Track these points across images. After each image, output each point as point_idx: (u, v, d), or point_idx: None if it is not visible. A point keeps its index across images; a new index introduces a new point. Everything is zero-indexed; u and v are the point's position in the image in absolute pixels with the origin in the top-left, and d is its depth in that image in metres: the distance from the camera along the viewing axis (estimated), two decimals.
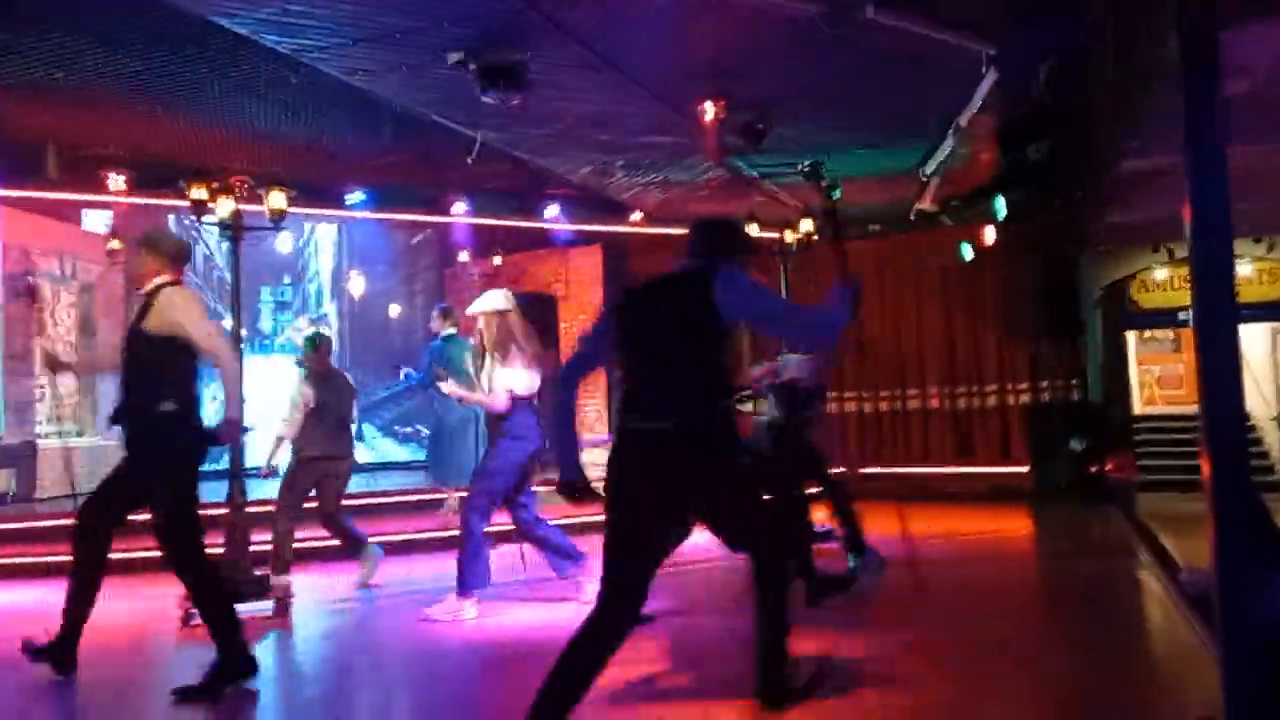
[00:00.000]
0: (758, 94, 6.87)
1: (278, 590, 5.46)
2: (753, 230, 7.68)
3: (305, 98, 7.44)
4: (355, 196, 9.85)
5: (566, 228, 10.85)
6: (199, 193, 5.50)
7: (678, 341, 2.91)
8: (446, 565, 6.85)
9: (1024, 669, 4.03)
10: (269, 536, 6.03)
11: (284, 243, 12.34)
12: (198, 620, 5.09)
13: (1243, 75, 4.63)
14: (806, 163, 8.42)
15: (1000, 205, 7.82)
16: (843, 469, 10.66)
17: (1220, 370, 2.46)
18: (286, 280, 13.13)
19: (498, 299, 5.29)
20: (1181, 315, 10.60)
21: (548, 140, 8.16)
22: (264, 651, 4.86)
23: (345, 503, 6.40)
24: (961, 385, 11.13)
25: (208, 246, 12.34)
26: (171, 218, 11.05)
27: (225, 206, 5.53)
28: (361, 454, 12.65)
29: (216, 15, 5.56)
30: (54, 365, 5.33)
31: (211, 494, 7.71)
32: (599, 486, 2.98)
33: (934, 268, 11.07)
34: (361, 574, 6.11)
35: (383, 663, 4.61)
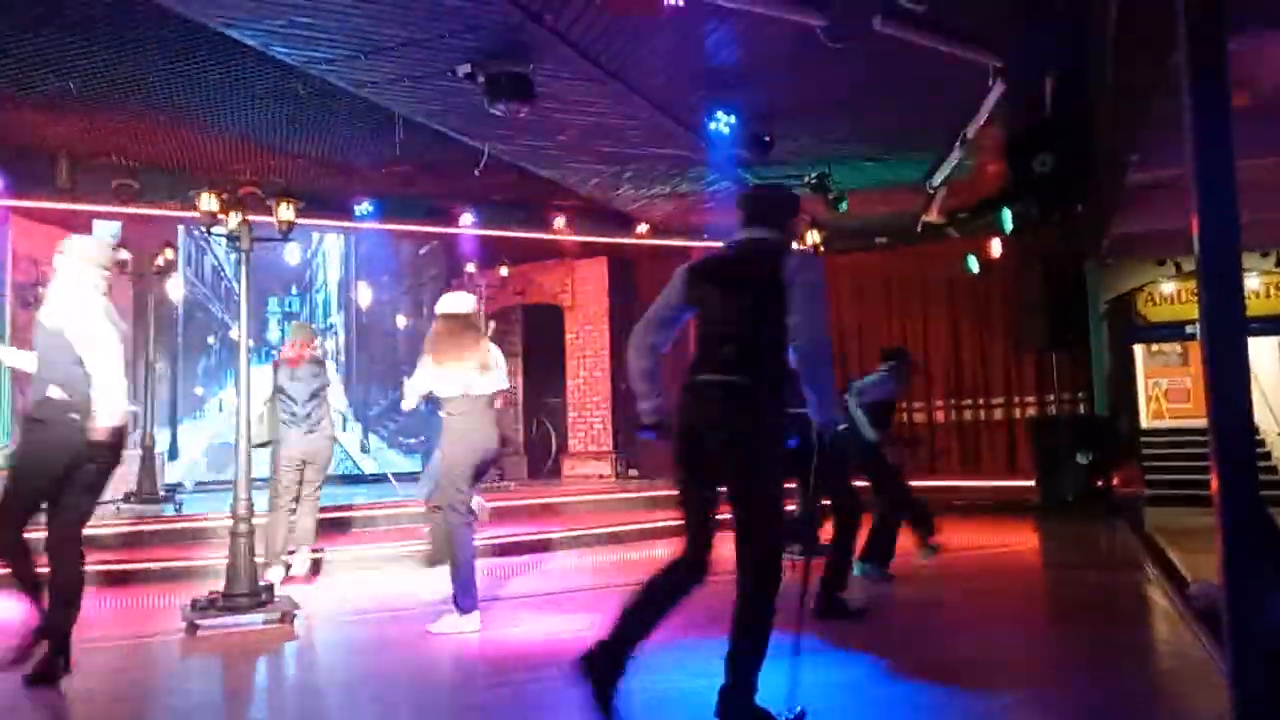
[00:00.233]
0: (764, 105, 6.90)
1: (283, 597, 5.46)
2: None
3: (314, 109, 7.50)
4: (363, 208, 9.90)
5: (573, 238, 10.89)
6: (209, 204, 5.52)
7: (743, 309, 3.09)
8: (438, 576, 6.85)
9: (1030, 684, 4.00)
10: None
11: (292, 254, 12.39)
12: (205, 629, 5.11)
13: (1246, 88, 4.63)
14: (813, 175, 8.52)
15: (1007, 217, 7.82)
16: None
17: (1228, 384, 2.45)
18: (294, 291, 13.17)
19: (443, 303, 5.25)
20: (1189, 328, 10.56)
21: (554, 152, 8.19)
22: (269, 663, 4.86)
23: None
24: (968, 398, 11.11)
25: (216, 257, 12.39)
26: (181, 228, 11.12)
27: (234, 218, 5.55)
28: (368, 465, 12.76)
29: (227, 28, 5.60)
30: None
31: (219, 505, 7.75)
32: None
33: (940, 280, 11.06)
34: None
35: (388, 675, 4.59)
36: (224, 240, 5.73)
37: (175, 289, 10.99)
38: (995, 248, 9.82)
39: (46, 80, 6.86)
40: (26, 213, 9.03)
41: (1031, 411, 10.62)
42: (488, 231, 10.67)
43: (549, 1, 5.23)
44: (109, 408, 3.98)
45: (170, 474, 10.84)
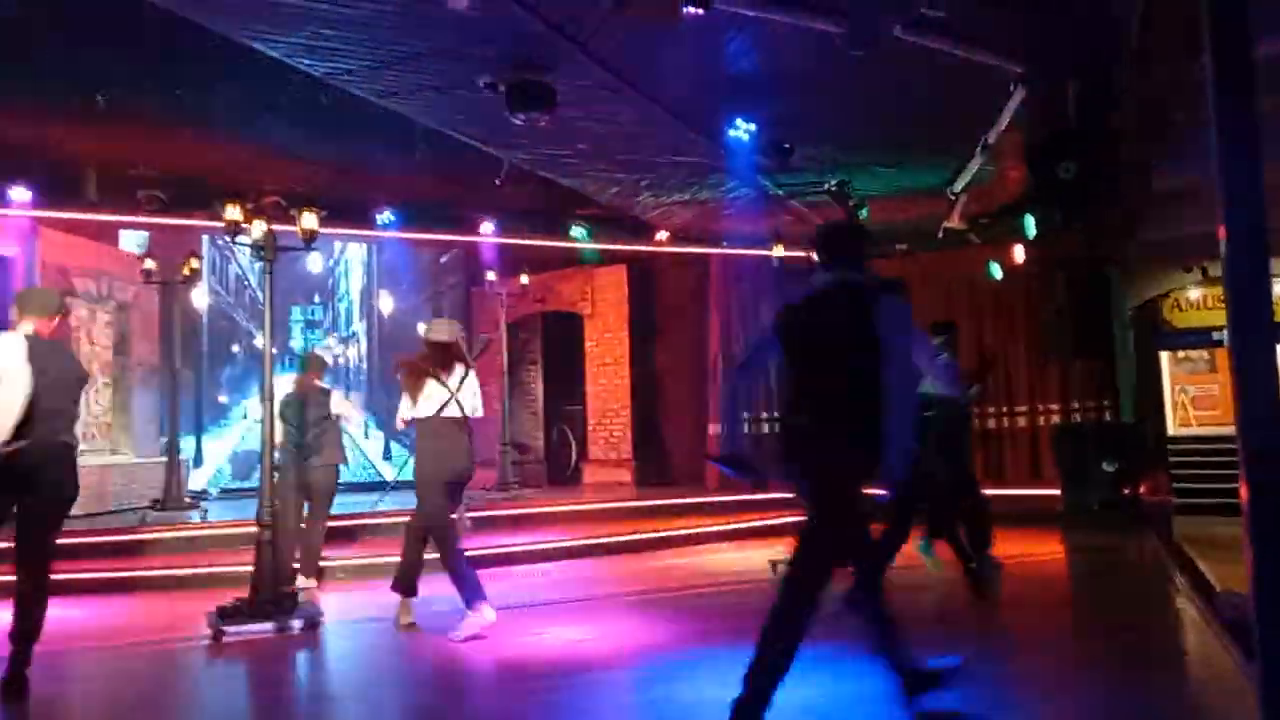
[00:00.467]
0: (783, 112, 6.89)
1: (306, 603, 5.50)
2: (778, 250, 7.66)
3: (336, 120, 7.56)
4: (385, 216, 9.98)
5: (593, 246, 10.92)
6: (233, 213, 5.59)
7: (831, 354, 3.23)
8: (442, 583, 6.86)
9: (1057, 697, 3.96)
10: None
11: (315, 263, 12.51)
12: (230, 636, 5.15)
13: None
14: (833, 182, 8.50)
15: (1030, 223, 7.77)
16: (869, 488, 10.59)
17: (1256, 390, 2.42)
18: (317, 299, 13.29)
19: (429, 330, 5.65)
20: (1216, 334, 10.42)
21: (574, 160, 8.22)
22: (294, 670, 4.89)
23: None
24: (991, 405, 11.01)
25: (240, 266, 12.53)
26: (206, 238, 11.25)
27: (258, 227, 5.62)
28: (389, 472, 12.82)
29: (252, 39, 5.67)
30: None
31: (243, 512, 7.82)
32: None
33: (962, 287, 10.98)
34: None
35: (411, 682, 4.61)
36: (248, 250, 5.79)
37: (200, 298, 11.12)
38: (1018, 254, 9.74)
39: (74, 94, 6.97)
40: (55, 224, 9.17)
41: (1055, 419, 10.51)
42: (508, 240, 10.72)
43: (569, 12, 5.26)
44: None
45: (195, 481, 10.95)
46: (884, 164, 8.33)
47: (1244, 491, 2.34)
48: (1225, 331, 2.52)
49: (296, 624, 5.35)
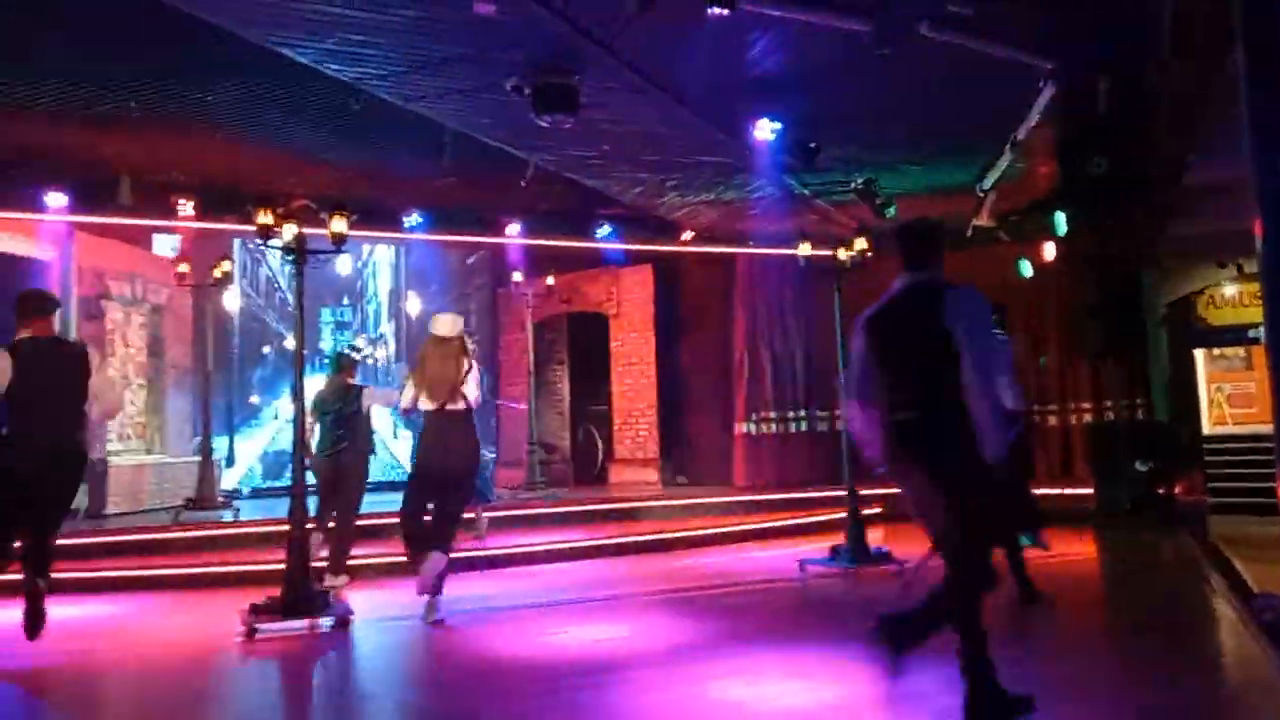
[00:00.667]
0: (809, 112, 6.87)
1: (337, 602, 5.57)
2: (804, 249, 7.63)
3: (365, 124, 7.64)
4: (412, 219, 10.05)
5: (618, 247, 10.93)
6: (264, 217, 5.66)
7: (913, 354, 3.42)
8: (485, 583, 6.91)
9: (1090, 699, 3.91)
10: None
11: (344, 265, 12.63)
12: (263, 633, 5.22)
13: None
14: (860, 180, 8.45)
15: (1060, 220, 7.68)
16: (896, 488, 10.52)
17: None
18: (346, 301, 13.43)
19: (433, 324, 5.79)
20: (1252, 332, 10.24)
21: (599, 161, 8.24)
22: (325, 668, 4.95)
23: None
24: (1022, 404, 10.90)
25: (271, 269, 12.68)
26: (237, 241, 11.41)
27: (289, 231, 5.68)
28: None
29: (282, 46, 5.75)
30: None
31: (274, 510, 7.92)
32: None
33: (991, 285, 10.84)
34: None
35: (440, 680, 4.65)
36: (279, 253, 5.87)
37: (231, 300, 11.26)
38: (1048, 251, 9.63)
39: (109, 101, 7.10)
40: (90, 228, 9.34)
41: (1088, 418, 10.39)
42: (534, 241, 10.77)
43: (595, 15, 5.27)
44: None
45: (227, 480, 11.10)
46: (911, 162, 8.28)
47: None
48: (1262, 328, 2.49)
49: (327, 622, 5.41)
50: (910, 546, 7.57)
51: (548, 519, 9.37)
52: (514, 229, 10.37)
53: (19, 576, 4.76)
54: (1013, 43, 5.42)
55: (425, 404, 5.50)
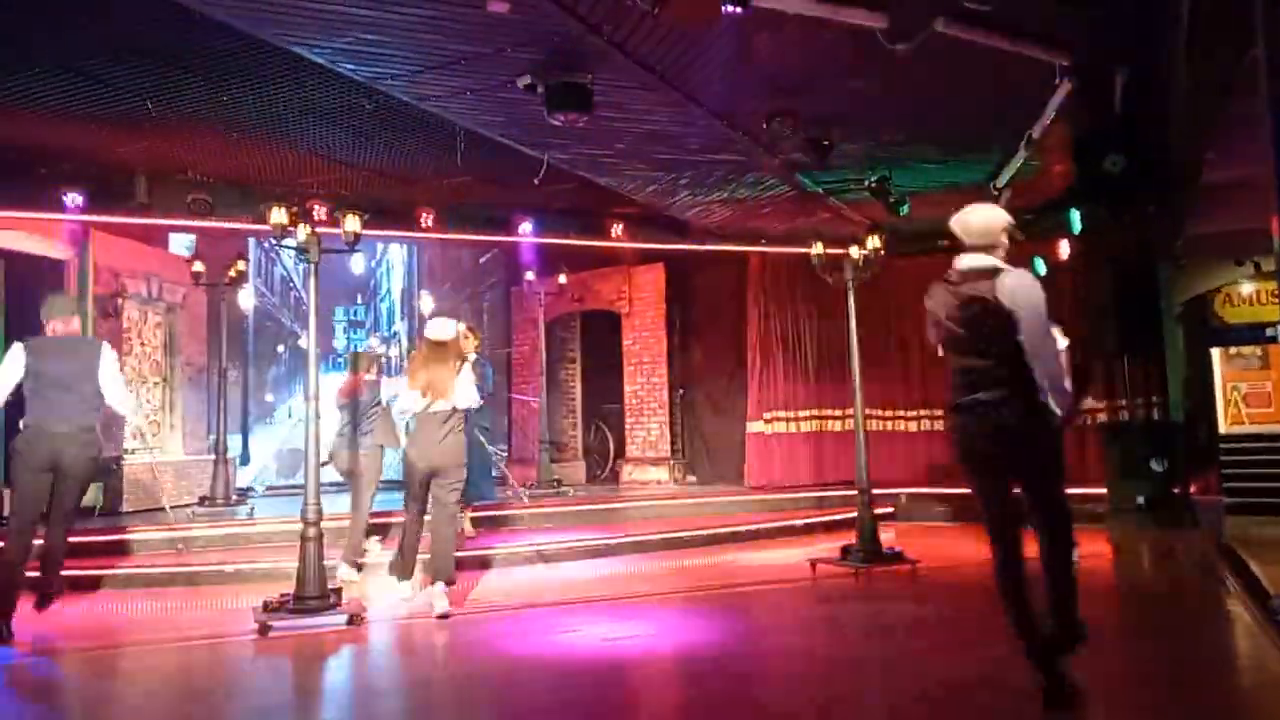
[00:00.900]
0: (822, 109, 6.84)
1: (350, 599, 5.59)
2: (817, 248, 7.61)
3: (378, 123, 7.67)
4: (426, 218, 10.08)
5: (631, 245, 10.94)
6: (279, 217, 5.69)
7: (980, 328, 3.52)
8: (496, 581, 6.93)
9: (1103, 702, 3.89)
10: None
11: (357, 263, 12.68)
12: (277, 630, 5.25)
13: None
14: (873, 178, 8.41)
15: (1075, 218, 7.62)
16: (908, 488, 10.48)
17: None
18: (360, 300, 13.48)
19: (428, 328, 6.13)
20: (1269, 330, 10.16)
21: (611, 160, 8.24)
22: (338, 664, 4.97)
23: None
24: None
25: (285, 268, 12.75)
26: (252, 240, 11.47)
27: (303, 230, 5.71)
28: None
29: (296, 46, 5.77)
30: None
31: (289, 509, 7.97)
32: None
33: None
34: None
35: (453, 677, 4.67)
36: (293, 251, 5.90)
37: (246, 299, 11.33)
38: (1063, 249, 9.57)
39: (124, 101, 7.14)
40: (106, 227, 9.40)
41: (1102, 417, 10.31)
42: (546, 239, 10.78)
43: (608, 13, 5.27)
44: None
45: (241, 478, 11.17)
46: (925, 160, 8.23)
47: None
48: (1279, 327, 2.47)
49: (341, 619, 5.43)
50: (920, 547, 7.57)
51: (559, 517, 9.39)
52: (526, 227, 10.38)
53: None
54: (1028, 38, 5.39)
55: (419, 404, 5.83)
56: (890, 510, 9.71)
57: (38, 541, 5.28)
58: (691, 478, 12.01)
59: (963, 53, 5.42)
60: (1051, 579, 3.64)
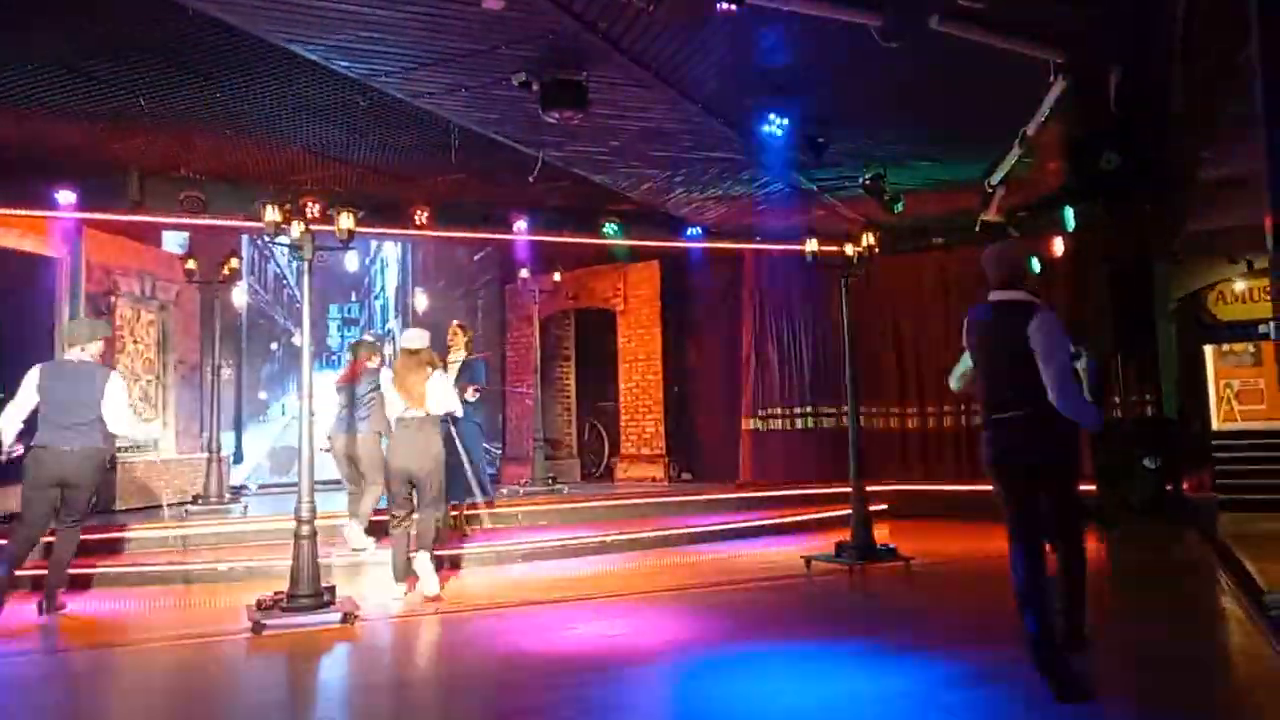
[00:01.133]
0: (817, 107, 6.84)
1: (344, 597, 5.59)
2: (811, 245, 7.62)
3: (373, 120, 7.65)
4: (420, 216, 10.05)
5: (625, 243, 10.92)
6: (273, 214, 5.66)
7: (1008, 357, 3.94)
8: (492, 579, 6.92)
9: (1097, 698, 3.90)
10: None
11: (351, 261, 12.64)
12: (270, 629, 5.24)
13: None
14: (868, 175, 8.42)
15: (1069, 216, 7.64)
16: (901, 485, 10.50)
17: None
18: (354, 298, 13.45)
19: (403, 338, 6.63)
20: (1262, 328, 10.20)
21: (606, 157, 8.23)
22: (332, 663, 4.97)
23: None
24: None
25: (279, 265, 12.71)
26: (246, 238, 11.43)
27: (297, 227, 5.69)
28: None
29: (291, 42, 5.76)
30: None
31: (282, 507, 7.95)
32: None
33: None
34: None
35: (447, 675, 4.66)
36: (287, 249, 5.87)
37: (239, 297, 11.28)
38: (1057, 247, 9.59)
39: (117, 98, 7.11)
40: (99, 225, 9.35)
41: None
42: (541, 237, 10.76)
43: (603, 11, 5.26)
44: None
45: (235, 476, 11.13)
46: (920, 157, 8.24)
47: None
48: (1272, 324, 2.48)
49: (334, 617, 5.42)
50: (914, 543, 7.59)
51: (554, 515, 9.38)
52: (521, 225, 10.36)
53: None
54: (1023, 36, 5.40)
55: (397, 409, 6.24)
56: (884, 507, 9.72)
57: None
58: (686, 475, 12.01)
59: (957, 50, 5.42)
60: (1069, 579, 4.04)
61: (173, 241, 11.11)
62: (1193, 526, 8.57)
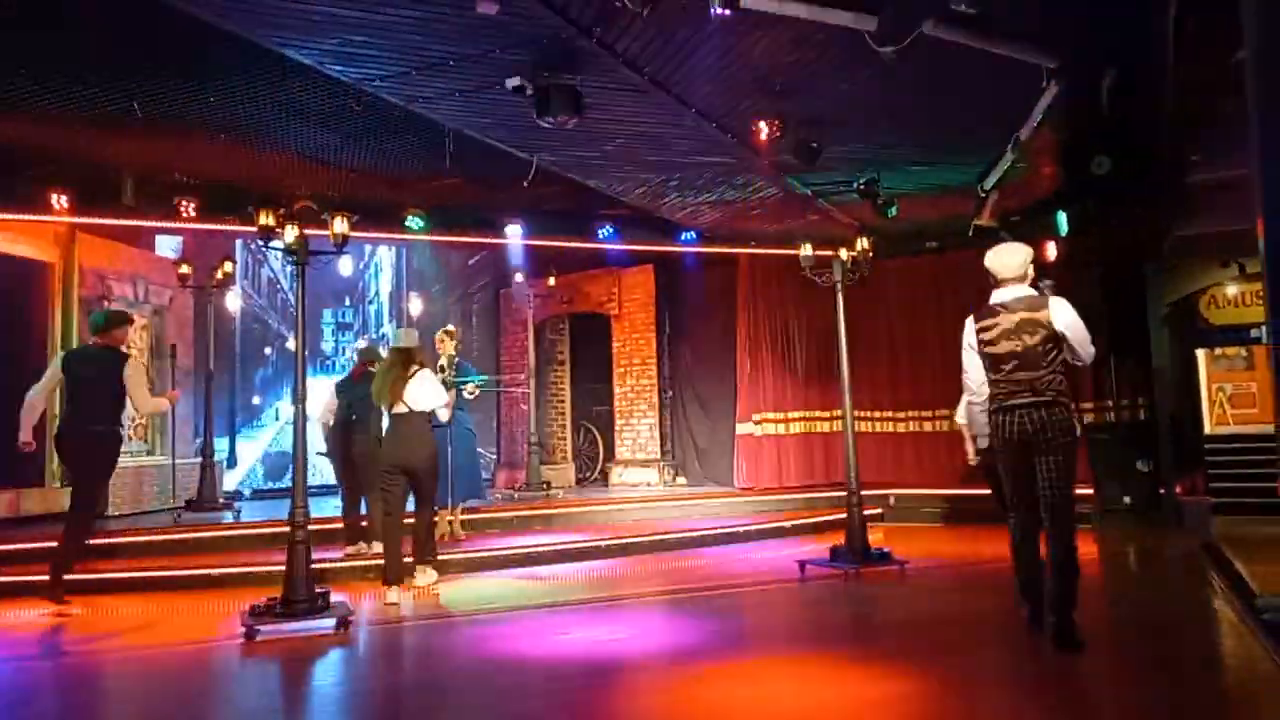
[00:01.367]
0: (811, 111, 6.86)
1: (338, 603, 5.57)
2: (806, 250, 7.63)
3: (366, 125, 7.64)
4: (414, 220, 10.04)
5: (620, 247, 10.93)
6: (267, 218, 5.65)
7: (1037, 342, 4.37)
8: (486, 583, 6.91)
9: (1091, 699, 3.91)
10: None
11: (345, 266, 12.63)
12: (264, 635, 5.22)
13: None
14: (862, 180, 8.44)
15: (1062, 220, 7.67)
16: (896, 489, 10.51)
17: None
18: (348, 302, 13.43)
19: (395, 337, 6.91)
20: (1254, 332, 10.23)
21: (601, 162, 8.24)
22: (326, 669, 4.95)
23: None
24: None
25: (272, 270, 12.69)
26: (239, 242, 11.41)
27: (291, 232, 5.68)
28: None
29: (284, 47, 5.75)
30: None
31: (276, 512, 7.93)
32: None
33: (993, 285, 10.84)
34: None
35: (441, 681, 4.65)
36: (280, 254, 5.86)
37: (233, 301, 11.26)
38: (1050, 251, 9.62)
39: (110, 102, 7.09)
40: (92, 229, 9.33)
41: (1089, 418, 10.37)
42: (536, 242, 10.76)
43: (598, 15, 5.27)
44: None
45: (228, 481, 11.10)
46: (914, 162, 8.26)
47: None
48: (1263, 328, 2.49)
49: (329, 623, 5.40)
50: (909, 547, 7.59)
51: (548, 519, 9.37)
52: (516, 229, 10.36)
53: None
54: (1016, 41, 5.41)
55: (381, 404, 6.51)
56: (879, 511, 9.74)
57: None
58: (681, 479, 12.01)
59: (951, 55, 5.44)
60: (1061, 578, 4.28)
61: (166, 246, 11.09)
62: (1185, 529, 8.60)
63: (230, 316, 11.62)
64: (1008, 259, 4.66)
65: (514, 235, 10.39)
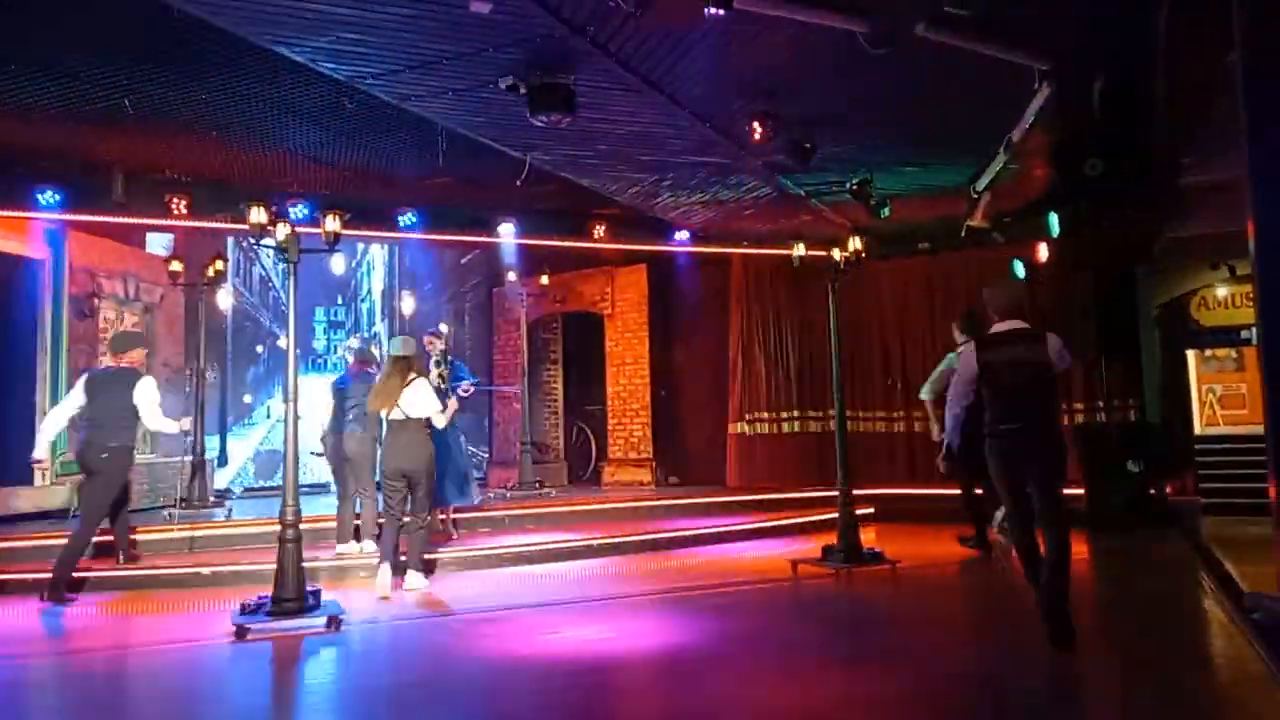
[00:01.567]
0: (804, 112, 6.87)
1: (328, 601, 5.55)
2: (798, 250, 7.64)
3: (359, 123, 7.62)
4: (407, 218, 10.02)
5: (613, 246, 10.92)
6: (258, 216, 5.64)
7: (1028, 380, 4.71)
8: (478, 583, 6.91)
9: (1082, 699, 3.92)
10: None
11: (337, 264, 12.59)
12: (254, 633, 5.20)
13: None
14: (854, 180, 8.45)
15: (1054, 222, 7.69)
16: (887, 489, 10.52)
17: None
18: (340, 300, 13.39)
19: (391, 345, 6.98)
20: (1244, 333, 10.28)
21: (594, 161, 8.23)
22: (316, 667, 4.94)
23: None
24: None
25: (264, 267, 12.64)
26: (231, 240, 11.36)
27: (283, 230, 5.66)
28: None
29: (277, 44, 5.73)
30: None
31: (267, 510, 7.91)
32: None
33: (985, 286, 10.85)
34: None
35: (432, 680, 4.64)
36: (272, 251, 5.85)
37: (224, 299, 11.22)
38: (1042, 252, 9.65)
39: (102, 98, 7.06)
40: (83, 226, 9.29)
41: (1080, 419, 10.40)
42: (529, 240, 10.75)
43: (592, 15, 5.26)
44: None
45: (219, 480, 11.05)
46: (906, 163, 8.28)
47: (1273, 491, 2.31)
48: (1253, 330, 2.50)
49: (319, 621, 5.39)
50: (900, 547, 7.61)
51: (540, 519, 9.36)
52: (509, 228, 10.35)
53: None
54: (1008, 43, 5.43)
55: (375, 408, 6.64)
56: (870, 511, 9.75)
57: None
58: (673, 479, 12.01)
59: (945, 57, 5.45)
60: (1054, 575, 4.42)
61: (157, 243, 11.03)
62: (1176, 529, 8.63)
63: (221, 314, 11.57)
64: (1005, 297, 5.03)
65: (507, 234, 10.37)
